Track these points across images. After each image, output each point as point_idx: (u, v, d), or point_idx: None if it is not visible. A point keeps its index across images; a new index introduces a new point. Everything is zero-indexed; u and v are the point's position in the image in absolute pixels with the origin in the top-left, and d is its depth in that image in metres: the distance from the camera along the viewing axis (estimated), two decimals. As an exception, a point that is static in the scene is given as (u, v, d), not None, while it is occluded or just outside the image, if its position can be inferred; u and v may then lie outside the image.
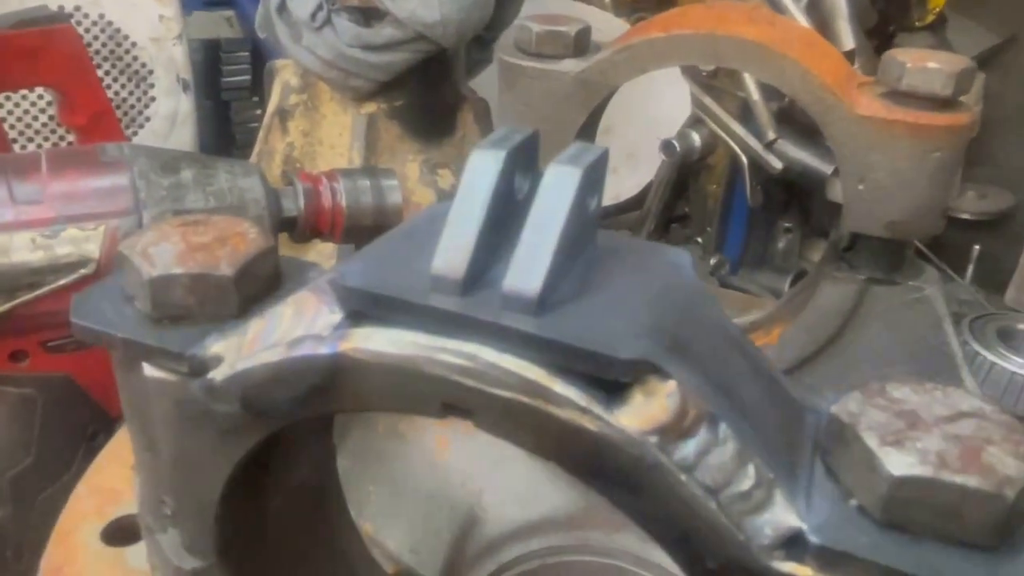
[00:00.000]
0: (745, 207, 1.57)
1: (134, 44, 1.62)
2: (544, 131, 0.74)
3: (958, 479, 0.25)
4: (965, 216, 1.65)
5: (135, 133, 1.63)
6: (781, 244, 1.68)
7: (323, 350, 0.30)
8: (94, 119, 1.23)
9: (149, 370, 0.34)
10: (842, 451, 0.28)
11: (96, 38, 1.55)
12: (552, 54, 0.72)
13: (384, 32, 1.16)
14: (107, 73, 1.60)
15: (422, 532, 0.79)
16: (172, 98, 1.69)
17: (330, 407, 0.31)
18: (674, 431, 0.27)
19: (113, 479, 0.60)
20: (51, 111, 1.48)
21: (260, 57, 1.90)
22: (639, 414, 0.27)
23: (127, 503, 0.58)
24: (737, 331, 0.33)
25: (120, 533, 0.56)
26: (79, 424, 0.86)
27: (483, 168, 0.29)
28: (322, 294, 0.31)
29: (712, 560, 0.27)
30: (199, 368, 0.33)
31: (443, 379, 0.28)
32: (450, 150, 1.35)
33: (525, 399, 0.27)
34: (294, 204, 0.90)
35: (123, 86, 1.63)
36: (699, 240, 1.65)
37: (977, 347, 1.13)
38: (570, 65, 0.71)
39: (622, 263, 0.32)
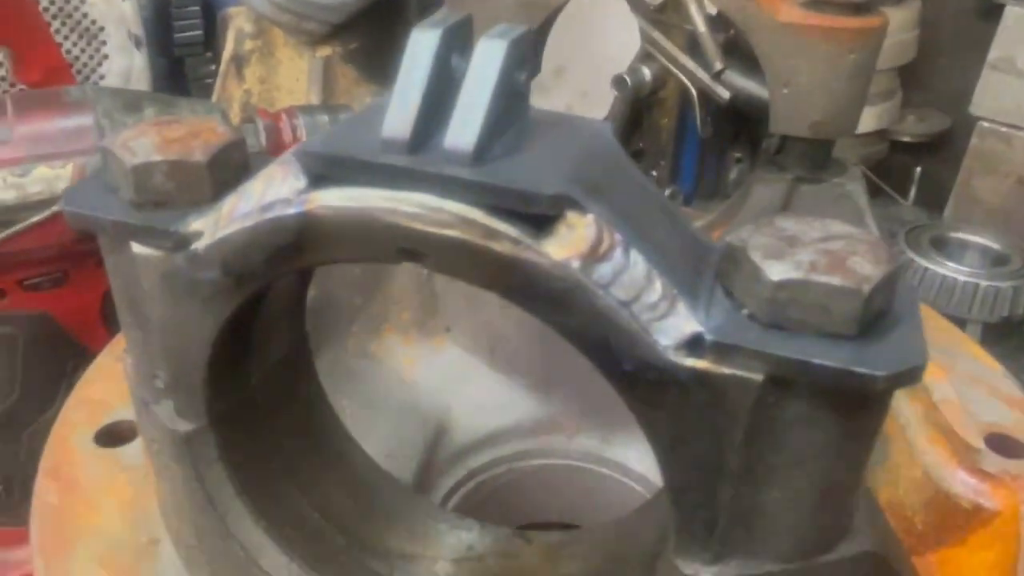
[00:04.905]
0: (696, 139, 1.61)
1: (83, 1, 1.60)
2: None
3: (823, 279, 0.31)
4: (906, 139, 1.72)
5: (90, 92, 1.63)
6: (733, 174, 1.73)
7: (290, 211, 0.34)
8: (48, 75, 1.24)
9: (137, 248, 0.38)
10: (734, 270, 0.33)
11: (44, -5, 1.54)
12: (496, -23, 0.76)
13: (335, -26, 1.18)
14: (57, 31, 1.58)
15: (396, 441, 0.84)
16: (125, 55, 1.68)
17: (300, 263, 0.36)
18: (592, 256, 0.32)
19: (100, 392, 0.64)
20: (1, 72, 1.47)
21: (211, 11, 1.88)
22: (563, 244, 0.32)
23: (115, 412, 0.62)
24: (658, 192, 0.38)
25: (112, 436, 0.60)
26: (59, 359, 0.90)
27: (422, 43, 0.34)
28: (287, 165, 0.35)
29: (628, 363, 0.32)
30: (182, 242, 0.38)
31: (397, 226, 0.33)
32: (406, 92, 1.38)
33: (468, 237, 0.32)
34: (256, 141, 0.93)
35: (74, 44, 1.62)
36: (654, 173, 1.69)
37: (912, 254, 1.20)
38: (513, -13, 0.75)
39: (551, 130, 0.37)
